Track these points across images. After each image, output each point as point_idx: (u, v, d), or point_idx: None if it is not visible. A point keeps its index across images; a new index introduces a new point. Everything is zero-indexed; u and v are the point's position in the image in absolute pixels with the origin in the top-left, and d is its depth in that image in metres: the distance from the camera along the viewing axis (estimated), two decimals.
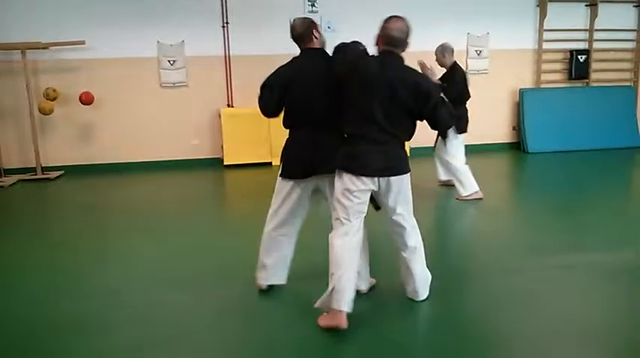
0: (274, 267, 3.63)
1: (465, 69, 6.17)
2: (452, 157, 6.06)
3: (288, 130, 3.53)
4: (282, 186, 3.50)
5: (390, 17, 3.25)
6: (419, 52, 5.93)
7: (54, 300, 3.67)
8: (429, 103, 3.17)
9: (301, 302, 3.49)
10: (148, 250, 4.67)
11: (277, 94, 3.41)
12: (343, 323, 3.05)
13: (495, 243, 4.71)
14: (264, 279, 3.65)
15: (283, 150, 3.51)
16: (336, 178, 3.24)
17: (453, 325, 3.24)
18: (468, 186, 6.00)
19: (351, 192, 3.16)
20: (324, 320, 3.15)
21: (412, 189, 3.33)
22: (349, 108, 3.25)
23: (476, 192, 6.03)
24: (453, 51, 6.08)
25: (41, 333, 3.23)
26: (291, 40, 3.51)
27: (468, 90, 6.05)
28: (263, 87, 3.46)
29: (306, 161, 3.37)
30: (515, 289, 3.69)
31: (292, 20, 3.51)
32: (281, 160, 3.52)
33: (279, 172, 3.49)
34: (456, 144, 6.06)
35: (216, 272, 4.04)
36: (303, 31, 3.43)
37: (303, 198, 3.51)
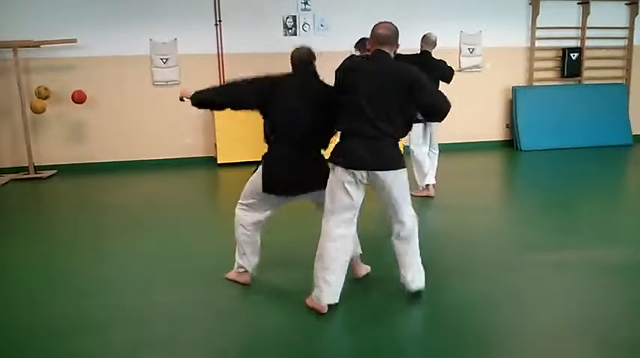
0: (257, 258, 3.80)
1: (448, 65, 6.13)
2: (414, 145, 6.05)
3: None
4: (260, 195, 3.58)
5: (378, 23, 3.38)
6: (414, 50, 5.99)
7: (50, 300, 3.65)
8: (423, 90, 3.26)
9: (298, 300, 3.49)
10: (144, 249, 4.65)
11: (255, 90, 3.54)
12: (324, 309, 3.29)
13: (490, 240, 4.73)
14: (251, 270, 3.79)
15: (263, 165, 3.53)
16: (330, 172, 3.35)
17: (448, 322, 3.24)
18: (420, 179, 6.08)
19: (347, 183, 3.26)
20: (310, 302, 3.36)
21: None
22: (342, 107, 3.33)
23: (425, 189, 6.10)
24: (430, 41, 6.03)
25: (38, 333, 3.21)
26: (292, 63, 3.58)
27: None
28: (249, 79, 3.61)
29: (286, 181, 3.46)
30: (511, 287, 3.69)
31: (296, 49, 3.60)
32: (262, 173, 3.52)
33: (262, 187, 3.51)
34: (418, 134, 6.00)
35: (213, 271, 4.02)
36: (311, 58, 3.55)
37: (278, 204, 3.68)
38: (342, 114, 3.34)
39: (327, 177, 3.39)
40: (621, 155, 8.99)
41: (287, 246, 4.40)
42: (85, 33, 7.86)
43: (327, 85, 3.51)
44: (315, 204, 3.64)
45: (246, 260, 3.75)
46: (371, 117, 3.19)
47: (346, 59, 3.84)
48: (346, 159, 3.26)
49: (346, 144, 3.30)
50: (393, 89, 3.22)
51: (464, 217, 5.40)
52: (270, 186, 3.48)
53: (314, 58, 3.56)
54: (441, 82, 5.86)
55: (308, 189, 3.50)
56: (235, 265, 3.80)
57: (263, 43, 8.38)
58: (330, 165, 3.36)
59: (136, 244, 4.81)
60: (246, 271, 3.77)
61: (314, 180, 3.46)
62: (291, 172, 3.43)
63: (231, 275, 3.82)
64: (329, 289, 3.29)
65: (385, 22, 3.37)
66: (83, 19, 7.92)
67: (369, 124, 3.21)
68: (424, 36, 6.07)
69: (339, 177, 3.28)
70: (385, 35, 3.30)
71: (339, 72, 3.40)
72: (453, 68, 6.22)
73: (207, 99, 3.68)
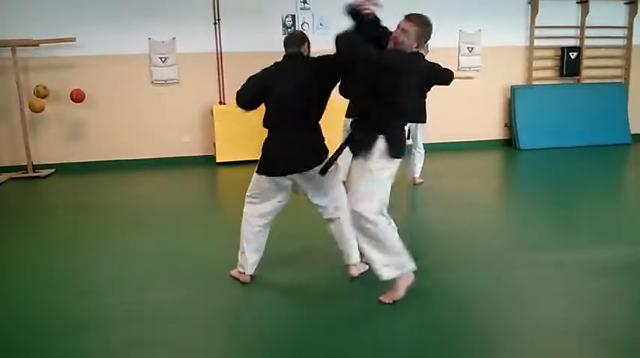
0: (257, 257, 3.81)
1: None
2: None
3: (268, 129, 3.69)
4: (261, 182, 3.66)
5: (424, 16, 3.40)
6: None
7: (49, 299, 3.65)
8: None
9: (298, 299, 3.50)
10: (143, 248, 4.65)
11: (253, 90, 3.63)
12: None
13: (489, 239, 4.72)
14: (250, 270, 3.80)
15: (262, 148, 3.65)
16: (382, 164, 3.30)
17: (446, 322, 3.24)
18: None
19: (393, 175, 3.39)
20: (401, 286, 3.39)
21: (400, 184, 3.38)
22: (399, 92, 3.29)
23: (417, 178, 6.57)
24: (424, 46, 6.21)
25: (37, 332, 3.21)
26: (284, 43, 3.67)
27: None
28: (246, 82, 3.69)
29: (280, 160, 3.54)
30: (510, 286, 3.69)
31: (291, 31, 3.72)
32: (260, 156, 3.66)
33: (256, 168, 3.65)
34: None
35: (212, 270, 4.02)
36: (299, 41, 3.64)
37: (280, 191, 3.68)
38: (397, 100, 3.30)
39: (325, 154, 3.53)
40: (620, 154, 9.00)
41: (288, 244, 4.40)
42: (83, 32, 7.86)
43: (314, 59, 3.59)
44: (310, 195, 3.67)
45: (245, 259, 3.76)
46: (408, 109, 3.42)
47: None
48: (403, 149, 3.39)
49: (400, 136, 3.39)
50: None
51: (462, 216, 5.40)
52: (268, 166, 3.58)
53: (304, 41, 3.64)
54: (438, 85, 6.03)
55: (305, 165, 3.52)
56: (238, 263, 3.82)
57: (262, 42, 8.35)
58: (382, 160, 3.34)
59: (135, 243, 4.81)
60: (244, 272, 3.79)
61: (311, 157, 3.52)
62: (288, 150, 3.51)
63: (234, 272, 3.84)
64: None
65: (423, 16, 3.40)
66: (82, 18, 7.91)
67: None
68: None
69: (393, 165, 3.35)
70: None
71: (394, 54, 3.28)
72: (450, 69, 6.25)
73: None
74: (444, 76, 6.06)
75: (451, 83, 6.14)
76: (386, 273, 3.34)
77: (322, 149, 3.59)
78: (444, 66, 6.12)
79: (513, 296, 3.53)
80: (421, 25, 3.31)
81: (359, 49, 3.20)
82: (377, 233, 3.28)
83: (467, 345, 2.97)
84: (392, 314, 3.32)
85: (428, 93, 6.27)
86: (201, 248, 4.61)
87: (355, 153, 3.35)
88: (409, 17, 3.31)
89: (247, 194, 3.76)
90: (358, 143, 3.33)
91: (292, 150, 3.51)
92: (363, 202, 3.26)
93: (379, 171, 3.28)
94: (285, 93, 3.50)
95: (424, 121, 6.28)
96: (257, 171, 3.65)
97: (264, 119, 3.62)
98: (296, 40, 3.64)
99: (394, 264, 3.34)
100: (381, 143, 3.26)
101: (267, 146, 3.62)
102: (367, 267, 3.84)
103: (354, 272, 3.80)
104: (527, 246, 4.50)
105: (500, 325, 3.21)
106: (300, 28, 8.58)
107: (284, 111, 3.53)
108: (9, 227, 5.47)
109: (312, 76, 3.51)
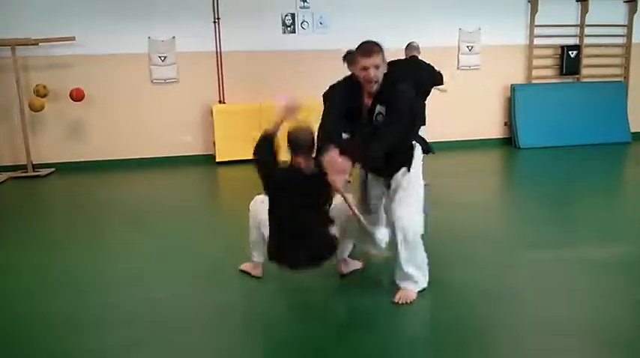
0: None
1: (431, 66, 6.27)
2: None
3: None
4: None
5: (372, 41, 3.25)
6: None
7: (48, 298, 3.65)
8: None
9: (298, 297, 3.50)
10: (141, 248, 4.65)
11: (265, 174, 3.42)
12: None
13: (489, 238, 4.71)
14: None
15: (269, 236, 3.51)
16: (417, 166, 3.49)
17: (446, 321, 3.24)
18: None
19: None
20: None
21: None
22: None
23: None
24: (414, 47, 6.36)
25: (37, 332, 3.21)
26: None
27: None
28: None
29: (285, 258, 3.39)
30: (510, 286, 3.68)
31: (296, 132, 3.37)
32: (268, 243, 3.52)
33: (266, 253, 3.51)
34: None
35: (211, 269, 4.03)
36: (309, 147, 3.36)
37: None
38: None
39: (334, 249, 3.39)
40: (619, 152, 9.00)
41: None
42: (83, 31, 7.86)
43: (313, 175, 3.29)
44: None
45: (255, 246, 3.74)
46: None
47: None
48: None
49: None
50: None
51: (462, 215, 5.39)
52: (275, 258, 3.44)
53: (312, 148, 3.35)
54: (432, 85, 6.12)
55: (311, 264, 3.39)
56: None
57: (262, 41, 8.37)
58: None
59: (134, 242, 4.81)
60: (259, 262, 3.78)
61: (318, 258, 3.37)
62: (292, 248, 3.32)
63: (244, 266, 3.86)
64: None
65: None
66: (82, 17, 7.91)
67: None
68: (409, 44, 6.37)
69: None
70: None
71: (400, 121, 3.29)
72: (441, 72, 6.33)
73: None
74: (437, 77, 6.24)
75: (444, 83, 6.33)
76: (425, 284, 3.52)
77: (327, 245, 3.38)
78: (442, 64, 6.23)
79: (513, 296, 3.53)
80: (381, 49, 3.21)
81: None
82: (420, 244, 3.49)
83: (467, 345, 2.97)
84: (392, 314, 3.32)
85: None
86: (202, 247, 4.61)
87: (396, 171, 3.41)
88: (370, 51, 3.16)
89: (256, 199, 3.70)
90: (398, 163, 3.39)
91: (295, 247, 3.30)
92: (417, 215, 3.46)
93: (418, 174, 3.46)
94: (284, 200, 3.33)
95: (423, 124, 6.30)
96: (268, 257, 3.48)
97: (268, 208, 3.43)
98: (306, 148, 3.33)
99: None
100: (416, 148, 3.47)
101: (270, 239, 3.45)
102: (360, 265, 3.90)
103: (344, 269, 3.79)
104: (527, 244, 4.49)
105: (500, 325, 3.21)
106: (300, 27, 8.58)
107: (284, 207, 3.34)
108: (9, 226, 5.47)
109: (313, 189, 3.30)
